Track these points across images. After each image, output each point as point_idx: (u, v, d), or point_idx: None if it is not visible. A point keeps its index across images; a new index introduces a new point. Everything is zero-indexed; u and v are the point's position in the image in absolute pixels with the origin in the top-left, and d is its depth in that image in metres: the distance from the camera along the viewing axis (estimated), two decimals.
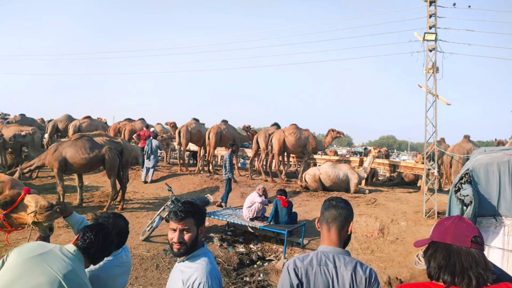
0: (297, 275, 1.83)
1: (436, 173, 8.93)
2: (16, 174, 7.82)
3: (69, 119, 17.32)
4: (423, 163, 9.89)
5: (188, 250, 2.01)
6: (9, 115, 20.80)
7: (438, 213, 8.20)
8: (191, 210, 2.03)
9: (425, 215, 8.33)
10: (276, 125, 13.79)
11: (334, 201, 2.02)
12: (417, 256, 6.68)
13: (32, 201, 2.70)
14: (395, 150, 57.80)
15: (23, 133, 11.25)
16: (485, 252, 4.31)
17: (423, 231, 7.74)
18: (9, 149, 12.21)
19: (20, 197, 2.74)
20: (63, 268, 1.82)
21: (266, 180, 11.96)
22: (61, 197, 8.45)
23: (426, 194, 8.62)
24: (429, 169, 9.21)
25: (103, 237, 2.04)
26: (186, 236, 2.00)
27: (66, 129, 16.64)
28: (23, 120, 16.93)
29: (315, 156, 13.71)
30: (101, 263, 2.30)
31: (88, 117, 17.06)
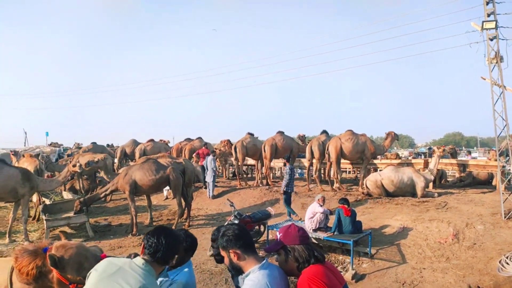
0: None
1: None
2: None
3: (135, 143, 18.53)
4: (496, 160, 9.14)
5: (237, 271, 2.14)
6: (82, 144, 22.86)
7: None
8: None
9: (504, 217, 7.66)
10: (325, 133, 13.48)
11: None
12: (500, 262, 6.14)
13: None
14: (463, 147, 53.80)
15: (95, 160, 12.29)
16: None
17: (504, 234, 7.12)
18: (85, 176, 13.44)
19: None
20: (134, 286, 1.91)
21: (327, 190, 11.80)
22: (134, 217, 9.07)
23: (503, 193, 7.94)
24: (503, 166, 8.50)
25: (165, 237, 2.09)
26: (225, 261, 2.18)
27: (133, 153, 17.83)
28: (95, 147, 18.50)
29: (375, 161, 13.24)
30: (187, 270, 2.50)
31: (152, 140, 18.18)
